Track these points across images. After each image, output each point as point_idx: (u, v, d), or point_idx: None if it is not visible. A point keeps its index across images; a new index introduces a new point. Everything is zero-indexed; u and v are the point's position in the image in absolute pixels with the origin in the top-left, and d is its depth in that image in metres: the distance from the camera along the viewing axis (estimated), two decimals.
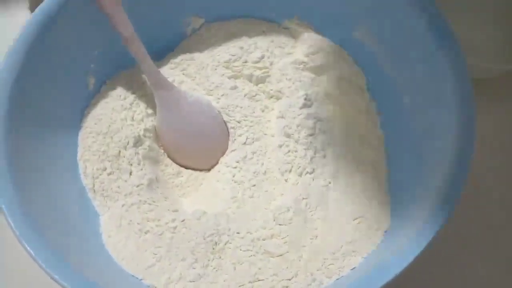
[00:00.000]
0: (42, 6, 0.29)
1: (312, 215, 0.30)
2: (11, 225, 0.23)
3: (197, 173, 0.35)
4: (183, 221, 0.29)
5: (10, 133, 0.26)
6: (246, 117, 0.35)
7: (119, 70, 0.35)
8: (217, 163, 0.34)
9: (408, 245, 0.22)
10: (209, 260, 0.27)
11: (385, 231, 0.28)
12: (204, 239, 0.28)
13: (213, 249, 0.28)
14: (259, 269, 0.27)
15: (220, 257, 0.28)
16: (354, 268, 0.26)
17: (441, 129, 0.28)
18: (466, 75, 0.26)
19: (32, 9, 0.42)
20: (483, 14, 0.41)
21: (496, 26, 0.41)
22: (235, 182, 0.33)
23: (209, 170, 0.35)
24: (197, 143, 0.34)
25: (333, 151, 0.34)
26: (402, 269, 0.21)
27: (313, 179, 0.32)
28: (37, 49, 0.29)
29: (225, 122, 0.35)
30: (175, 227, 0.29)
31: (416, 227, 0.24)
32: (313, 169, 0.33)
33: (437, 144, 0.28)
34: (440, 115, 0.28)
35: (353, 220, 0.29)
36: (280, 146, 0.33)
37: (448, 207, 0.23)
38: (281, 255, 0.28)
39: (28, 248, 0.23)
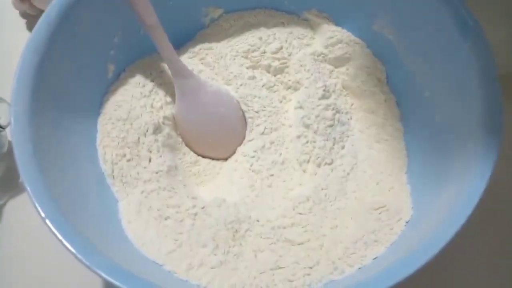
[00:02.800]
0: None
1: (331, 205, 0.30)
2: (38, 210, 0.23)
3: (214, 162, 0.35)
4: (203, 208, 0.29)
5: (34, 117, 0.26)
6: (264, 107, 0.35)
7: (138, 58, 0.35)
8: (234, 152, 0.34)
9: (433, 236, 0.22)
10: (230, 247, 0.27)
11: (406, 221, 0.28)
12: (225, 225, 0.28)
13: (234, 236, 0.28)
14: (280, 256, 0.27)
15: (240, 244, 0.28)
16: (376, 258, 0.26)
17: (463, 123, 0.27)
18: (493, 69, 0.26)
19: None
20: (493, 12, 0.41)
21: (507, 23, 0.41)
22: (252, 171, 0.33)
23: (226, 159, 0.35)
24: (215, 132, 0.34)
25: (351, 142, 0.34)
26: (427, 261, 0.21)
27: (331, 170, 0.32)
28: (58, 35, 0.29)
29: (243, 112, 0.35)
30: (195, 214, 0.29)
31: (438, 219, 0.24)
32: (332, 160, 0.33)
33: (459, 138, 0.28)
34: (463, 109, 0.28)
35: (375, 210, 0.28)
36: (299, 137, 0.33)
37: (471, 200, 0.23)
38: (302, 243, 0.28)
39: (57, 233, 0.22)
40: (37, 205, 0.23)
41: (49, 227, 0.22)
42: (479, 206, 0.23)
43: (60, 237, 0.22)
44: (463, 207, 0.23)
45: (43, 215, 0.23)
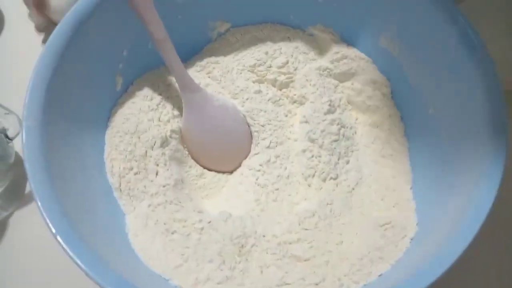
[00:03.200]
0: (75, 7, 0.30)
1: (337, 220, 0.30)
2: (49, 226, 0.23)
3: (220, 175, 0.35)
4: (209, 222, 0.29)
5: (45, 131, 0.26)
6: (270, 121, 0.35)
7: (146, 71, 0.36)
8: (240, 166, 0.35)
9: (438, 256, 0.22)
10: (236, 263, 0.27)
11: (411, 238, 0.28)
12: (231, 240, 0.28)
13: (240, 251, 0.28)
14: (286, 273, 0.27)
15: (246, 260, 0.28)
16: (381, 274, 0.26)
17: (469, 140, 0.28)
18: (497, 87, 0.26)
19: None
20: (498, 26, 0.41)
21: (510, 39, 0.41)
22: (258, 185, 0.33)
23: (231, 172, 0.35)
24: (221, 146, 0.35)
25: (356, 157, 0.34)
26: (435, 279, 0.21)
27: (336, 185, 0.32)
28: (70, 50, 0.29)
29: (249, 126, 0.35)
30: (202, 228, 0.29)
31: (444, 236, 0.25)
32: (337, 175, 0.33)
33: (464, 154, 0.28)
34: (468, 126, 0.28)
35: (380, 226, 0.29)
36: (304, 151, 0.34)
37: (478, 217, 0.23)
38: (308, 259, 0.28)
39: (68, 250, 0.22)
40: (48, 220, 0.23)
41: (60, 243, 0.23)
42: (485, 223, 0.23)
43: (71, 253, 0.22)
44: (470, 225, 0.23)
45: (54, 231, 0.23)
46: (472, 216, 0.23)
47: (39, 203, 0.23)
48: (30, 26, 0.44)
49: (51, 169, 0.25)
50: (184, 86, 0.32)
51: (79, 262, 0.22)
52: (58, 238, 0.23)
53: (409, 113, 0.34)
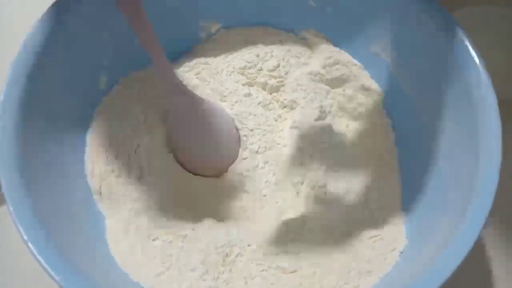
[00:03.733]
0: (56, 0, 0.28)
1: (323, 231, 0.29)
2: (18, 227, 0.22)
3: (206, 180, 0.34)
4: (193, 229, 0.28)
5: (22, 131, 0.25)
6: (259, 125, 0.34)
7: (132, 69, 0.34)
8: (227, 170, 0.34)
9: (431, 270, 0.22)
10: (219, 273, 0.26)
11: (401, 252, 0.27)
12: (215, 249, 0.27)
13: (224, 261, 0.27)
14: (272, 284, 0.26)
15: (230, 270, 0.27)
16: None
17: (462, 151, 0.27)
18: (493, 97, 0.26)
19: None
20: (491, 37, 0.41)
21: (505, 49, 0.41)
22: (245, 191, 0.32)
23: (218, 177, 0.34)
24: (208, 150, 0.34)
25: (346, 166, 0.33)
26: None
27: (325, 194, 0.32)
28: (51, 45, 0.28)
29: (237, 130, 0.34)
30: (185, 236, 0.28)
31: (435, 251, 0.24)
32: (325, 184, 0.32)
33: (457, 166, 0.27)
34: (462, 138, 0.27)
35: (368, 239, 0.28)
36: (293, 158, 0.33)
37: (472, 232, 0.22)
38: (294, 271, 0.27)
39: (36, 254, 0.21)
40: (19, 226, 0.22)
41: (31, 251, 0.21)
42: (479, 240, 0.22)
43: (43, 262, 0.21)
44: (463, 240, 0.22)
45: (25, 238, 0.21)
46: (465, 231, 0.22)
47: (11, 208, 0.22)
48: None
49: (25, 171, 0.24)
50: (171, 89, 0.31)
51: (51, 272, 0.21)
52: (30, 245, 0.21)
53: (401, 121, 0.34)
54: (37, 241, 0.22)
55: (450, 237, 0.23)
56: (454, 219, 0.25)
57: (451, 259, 0.22)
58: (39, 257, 0.21)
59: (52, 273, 0.21)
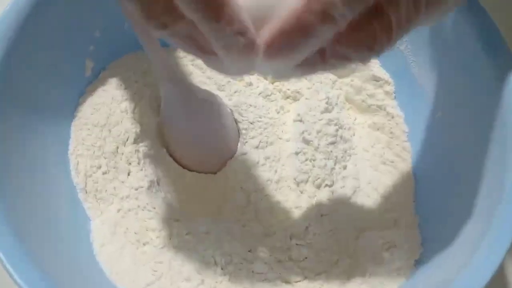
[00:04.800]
0: None
1: (332, 235, 0.27)
2: None
3: (202, 176, 0.31)
4: (188, 233, 0.26)
5: None
6: (260, 118, 0.31)
7: (121, 55, 0.32)
8: (225, 165, 0.31)
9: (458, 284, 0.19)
10: (216, 283, 0.24)
11: (416, 260, 0.25)
12: (212, 257, 0.24)
13: (222, 269, 0.24)
14: None
15: (229, 280, 0.24)
16: None
17: (481, 151, 0.25)
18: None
19: None
20: None
21: None
22: (244, 190, 0.29)
23: (215, 173, 0.31)
24: (204, 144, 0.31)
25: (354, 163, 0.31)
26: None
27: (332, 193, 0.29)
28: (29, 25, 0.25)
29: (236, 122, 0.31)
30: (179, 241, 0.25)
31: (454, 260, 0.22)
32: (333, 182, 0.30)
33: (475, 167, 0.25)
34: (481, 137, 0.25)
35: (381, 246, 0.26)
36: (297, 153, 0.30)
37: (502, 239, 0.20)
38: (299, 281, 0.24)
39: (5, 262, 0.19)
40: None
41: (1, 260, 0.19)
42: None
43: (13, 273, 0.18)
44: (491, 252, 0.20)
45: None
46: (493, 242, 0.20)
47: None
48: None
49: (1, 170, 0.21)
50: (164, 76, 0.28)
51: (21, 283, 0.18)
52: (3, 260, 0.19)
53: (414, 115, 0.31)
54: (6, 247, 0.19)
55: (475, 246, 0.21)
56: (478, 225, 0.22)
57: (478, 272, 0.19)
58: (8, 266, 0.19)
59: (22, 284, 0.18)
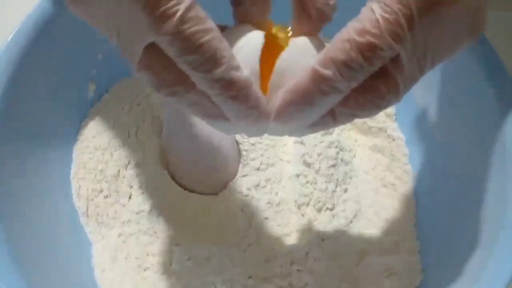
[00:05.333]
0: (38, 3, 0.26)
1: (333, 260, 0.27)
2: None
3: (203, 198, 0.31)
4: (189, 259, 0.26)
5: None
6: (261, 139, 0.31)
7: (123, 76, 0.32)
8: (225, 187, 0.31)
9: None
10: None
11: (416, 287, 0.25)
12: (213, 284, 0.24)
13: None
14: None
15: None
16: None
17: (481, 176, 0.25)
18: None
19: None
20: None
21: None
22: (245, 213, 0.29)
23: (216, 194, 0.31)
24: (205, 165, 0.31)
25: (355, 185, 0.31)
26: None
27: (333, 217, 0.29)
28: (33, 51, 0.25)
29: (237, 143, 0.31)
30: (180, 266, 0.25)
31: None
32: (334, 205, 0.29)
33: (476, 191, 0.25)
34: (481, 160, 0.25)
35: (382, 272, 0.25)
36: (298, 176, 0.30)
37: (505, 268, 0.20)
38: None
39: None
40: None
41: None
42: None
43: None
44: (492, 282, 0.20)
45: None
46: (496, 271, 0.20)
47: None
48: None
49: (1, 198, 0.21)
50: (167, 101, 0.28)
51: None
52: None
53: (415, 137, 0.31)
54: (6, 273, 0.19)
55: (477, 274, 0.21)
56: (479, 252, 0.22)
57: None
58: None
59: None
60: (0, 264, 0.20)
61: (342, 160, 0.31)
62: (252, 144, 0.31)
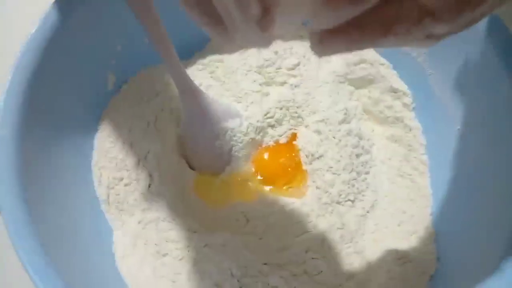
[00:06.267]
0: None
1: (347, 248, 0.27)
2: (15, 244, 0.20)
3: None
4: (206, 246, 0.26)
5: (23, 139, 0.23)
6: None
7: (142, 67, 0.32)
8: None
9: None
10: None
11: (431, 276, 0.25)
12: (229, 269, 0.25)
13: (239, 281, 0.25)
14: None
15: None
16: None
17: (501, 169, 0.24)
18: None
19: None
20: None
21: None
22: (261, 201, 0.30)
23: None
24: (225, 155, 0.31)
25: (373, 175, 0.31)
26: None
27: (350, 207, 0.29)
28: (55, 43, 0.26)
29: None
30: (197, 253, 0.26)
31: (471, 279, 0.22)
32: (353, 195, 0.29)
33: (497, 185, 0.25)
34: (500, 153, 0.24)
35: (396, 260, 0.26)
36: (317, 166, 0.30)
37: None
38: None
39: (32, 274, 0.20)
40: (19, 249, 0.20)
41: (31, 277, 0.20)
42: None
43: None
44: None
45: (25, 262, 0.20)
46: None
47: (9, 228, 0.20)
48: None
49: (26, 186, 0.22)
50: (184, 90, 0.29)
51: None
52: (29, 270, 0.20)
53: (433, 127, 0.31)
54: (36, 263, 0.20)
55: (494, 265, 0.21)
56: (496, 243, 0.22)
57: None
58: (33, 276, 0.20)
59: None
60: (28, 248, 0.21)
61: (363, 148, 0.31)
62: None
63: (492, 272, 0.21)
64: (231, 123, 0.30)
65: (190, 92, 0.29)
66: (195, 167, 0.31)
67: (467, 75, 0.27)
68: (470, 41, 0.27)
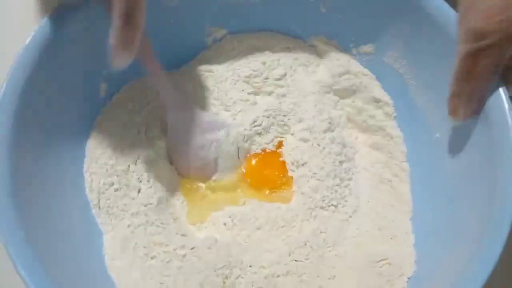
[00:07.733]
0: (56, 9, 0.27)
1: (330, 251, 0.28)
2: (10, 251, 0.21)
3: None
4: (192, 249, 0.27)
5: (15, 146, 0.24)
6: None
7: (134, 76, 0.33)
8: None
9: None
10: None
11: (409, 277, 0.26)
12: (214, 271, 0.26)
13: (224, 283, 0.26)
14: None
15: None
16: None
17: (477, 173, 0.26)
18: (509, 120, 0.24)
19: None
20: None
21: None
22: (249, 205, 0.31)
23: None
24: (211, 163, 0.32)
25: (355, 181, 0.32)
26: None
27: (333, 212, 0.30)
28: (48, 53, 0.27)
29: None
30: (184, 255, 0.27)
31: (447, 281, 0.23)
32: (334, 200, 0.31)
33: (472, 189, 0.26)
34: (478, 157, 0.26)
35: (376, 262, 0.27)
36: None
37: (489, 258, 0.21)
38: None
39: (23, 275, 0.21)
40: (10, 250, 0.21)
41: (22, 276, 0.20)
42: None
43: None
44: (479, 272, 0.21)
45: (17, 262, 0.21)
46: (481, 261, 0.21)
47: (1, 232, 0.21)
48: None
49: (17, 190, 0.23)
50: (169, 104, 0.30)
51: None
52: (21, 271, 0.20)
53: (413, 136, 0.32)
54: (23, 258, 0.21)
55: (465, 265, 0.22)
56: (469, 246, 0.23)
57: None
58: (25, 278, 0.20)
59: None
60: (19, 251, 0.22)
61: (345, 156, 0.32)
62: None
63: (465, 275, 0.22)
64: (216, 135, 0.32)
65: (175, 105, 0.30)
66: (183, 175, 0.32)
67: (446, 84, 0.29)
68: (449, 54, 0.28)
